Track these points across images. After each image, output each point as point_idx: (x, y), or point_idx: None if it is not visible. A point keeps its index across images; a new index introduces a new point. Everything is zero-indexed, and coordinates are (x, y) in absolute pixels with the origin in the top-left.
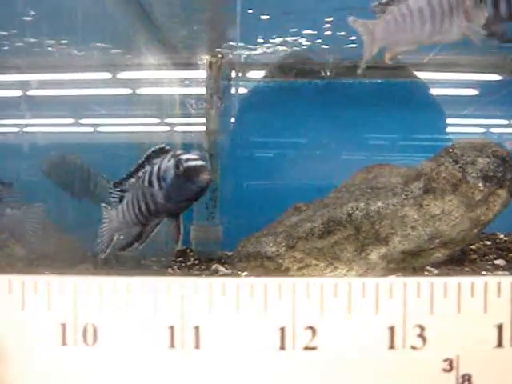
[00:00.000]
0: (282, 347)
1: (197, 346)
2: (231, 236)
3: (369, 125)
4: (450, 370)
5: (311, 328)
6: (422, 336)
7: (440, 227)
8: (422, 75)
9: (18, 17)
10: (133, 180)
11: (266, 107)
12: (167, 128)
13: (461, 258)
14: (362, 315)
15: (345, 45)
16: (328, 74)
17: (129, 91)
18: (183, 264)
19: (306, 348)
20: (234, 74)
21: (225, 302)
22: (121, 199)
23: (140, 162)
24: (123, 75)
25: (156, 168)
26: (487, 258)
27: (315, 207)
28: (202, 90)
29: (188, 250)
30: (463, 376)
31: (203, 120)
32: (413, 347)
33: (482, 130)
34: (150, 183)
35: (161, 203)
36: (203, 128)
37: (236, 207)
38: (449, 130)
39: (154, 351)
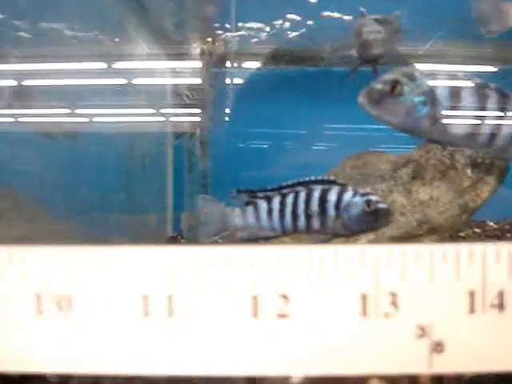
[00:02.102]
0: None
1: (170, 314)
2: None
3: (363, 113)
4: (423, 336)
5: (284, 296)
6: (394, 303)
7: (428, 213)
8: (418, 67)
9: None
10: (270, 193)
11: (258, 96)
12: (162, 118)
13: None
14: (332, 283)
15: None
16: (324, 62)
17: (124, 81)
18: None
19: (280, 316)
20: (227, 62)
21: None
22: (247, 203)
23: (292, 183)
24: (118, 65)
25: (333, 197)
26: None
27: None
28: (198, 80)
29: (179, 237)
30: (436, 342)
31: (197, 110)
32: (385, 314)
33: (478, 121)
34: (322, 207)
35: (334, 228)
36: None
37: (227, 195)
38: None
39: (127, 320)
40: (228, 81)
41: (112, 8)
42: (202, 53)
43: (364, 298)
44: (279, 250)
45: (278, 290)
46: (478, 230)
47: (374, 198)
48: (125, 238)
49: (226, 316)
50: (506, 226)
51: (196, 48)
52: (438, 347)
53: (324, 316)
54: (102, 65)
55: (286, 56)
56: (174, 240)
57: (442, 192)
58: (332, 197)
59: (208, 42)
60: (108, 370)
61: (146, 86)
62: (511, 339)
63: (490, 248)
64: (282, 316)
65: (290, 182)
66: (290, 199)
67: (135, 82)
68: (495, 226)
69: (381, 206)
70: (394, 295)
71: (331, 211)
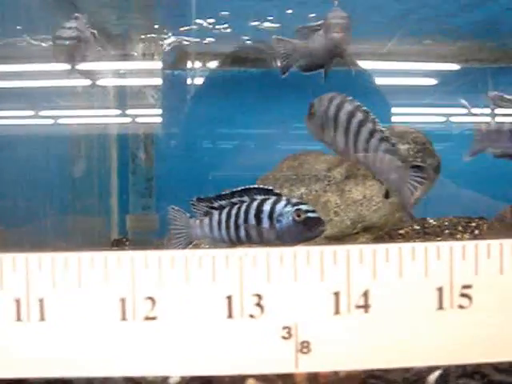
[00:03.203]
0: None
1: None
2: (168, 225)
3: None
4: (289, 337)
5: (151, 299)
6: (259, 305)
7: (362, 212)
8: (381, 65)
9: None
10: (223, 202)
11: (202, 97)
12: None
13: (388, 242)
14: (197, 285)
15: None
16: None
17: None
18: None
19: (147, 318)
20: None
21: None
22: (205, 214)
23: (236, 190)
24: (53, 67)
25: (267, 207)
26: (414, 242)
27: None
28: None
29: (124, 240)
30: (302, 343)
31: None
32: (251, 316)
33: (442, 119)
34: (258, 218)
35: (269, 238)
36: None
37: (172, 196)
38: (408, 119)
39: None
40: (177, 82)
41: (42, 10)
42: (144, 53)
43: (229, 299)
44: (144, 253)
45: (145, 292)
46: (417, 227)
47: (304, 207)
48: (70, 241)
49: (94, 318)
50: (446, 223)
51: (138, 49)
52: (304, 348)
53: (191, 318)
54: (37, 66)
55: (229, 57)
56: (119, 242)
57: (375, 191)
58: (266, 207)
59: (149, 41)
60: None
61: (89, 88)
62: (377, 339)
63: (354, 249)
64: (150, 318)
65: (239, 188)
66: (234, 210)
67: (79, 83)
68: (435, 222)
69: (311, 215)
70: (259, 296)
71: (265, 222)
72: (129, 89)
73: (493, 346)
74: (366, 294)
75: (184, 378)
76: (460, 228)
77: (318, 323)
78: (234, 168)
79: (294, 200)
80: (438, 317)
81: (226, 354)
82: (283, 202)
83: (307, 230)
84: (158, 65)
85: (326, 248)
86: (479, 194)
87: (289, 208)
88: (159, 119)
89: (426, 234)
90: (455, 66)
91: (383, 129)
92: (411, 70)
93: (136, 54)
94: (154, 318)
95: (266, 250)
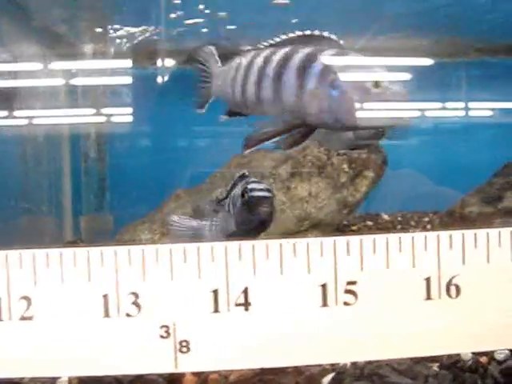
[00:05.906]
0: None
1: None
2: (122, 225)
3: None
4: (168, 336)
5: (26, 298)
6: (136, 303)
7: (308, 209)
8: (355, 60)
9: None
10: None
11: (157, 96)
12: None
13: None
14: (72, 285)
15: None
16: None
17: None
18: None
19: (23, 318)
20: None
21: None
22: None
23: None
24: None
25: (233, 193)
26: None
27: (192, 193)
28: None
29: (78, 241)
30: (181, 342)
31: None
32: (128, 315)
33: (416, 114)
34: (228, 208)
35: (232, 229)
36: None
37: (126, 196)
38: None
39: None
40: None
41: None
42: (94, 52)
43: (106, 298)
44: (19, 252)
45: (19, 292)
46: (370, 223)
47: (253, 185)
48: (21, 243)
49: None
50: (399, 218)
51: (89, 48)
52: (183, 347)
53: (66, 317)
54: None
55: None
56: (73, 244)
57: (321, 188)
58: (232, 193)
59: (100, 40)
60: None
61: (42, 88)
62: (257, 337)
63: (232, 245)
64: (26, 318)
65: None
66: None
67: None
68: (388, 218)
69: (255, 194)
70: (135, 295)
71: (231, 210)
72: (80, 88)
73: (379, 343)
74: (245, 292)
75: (71, 378)
76: (412, 223)
77: (196, 322)
78: (186, 166)
79: (253, 179)
80: (322, 313)
81: (106, 355)
82: (241, 184)
83: (251, 213)
84: (111, 63)
85: (203, 245)
86: (442, 187)
87: (239, 189)
88: (112, 118)
89: (379, 229)
90: (429, 61)
91: None
92: (384, 65)
93: (87, 51)
94: (30, 318)
95: (141, 247)
